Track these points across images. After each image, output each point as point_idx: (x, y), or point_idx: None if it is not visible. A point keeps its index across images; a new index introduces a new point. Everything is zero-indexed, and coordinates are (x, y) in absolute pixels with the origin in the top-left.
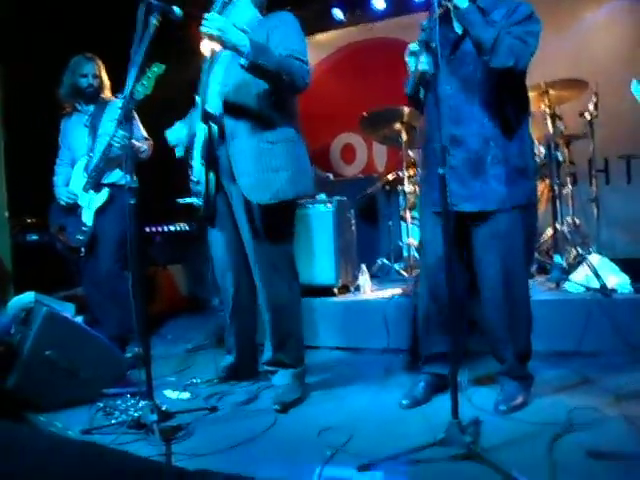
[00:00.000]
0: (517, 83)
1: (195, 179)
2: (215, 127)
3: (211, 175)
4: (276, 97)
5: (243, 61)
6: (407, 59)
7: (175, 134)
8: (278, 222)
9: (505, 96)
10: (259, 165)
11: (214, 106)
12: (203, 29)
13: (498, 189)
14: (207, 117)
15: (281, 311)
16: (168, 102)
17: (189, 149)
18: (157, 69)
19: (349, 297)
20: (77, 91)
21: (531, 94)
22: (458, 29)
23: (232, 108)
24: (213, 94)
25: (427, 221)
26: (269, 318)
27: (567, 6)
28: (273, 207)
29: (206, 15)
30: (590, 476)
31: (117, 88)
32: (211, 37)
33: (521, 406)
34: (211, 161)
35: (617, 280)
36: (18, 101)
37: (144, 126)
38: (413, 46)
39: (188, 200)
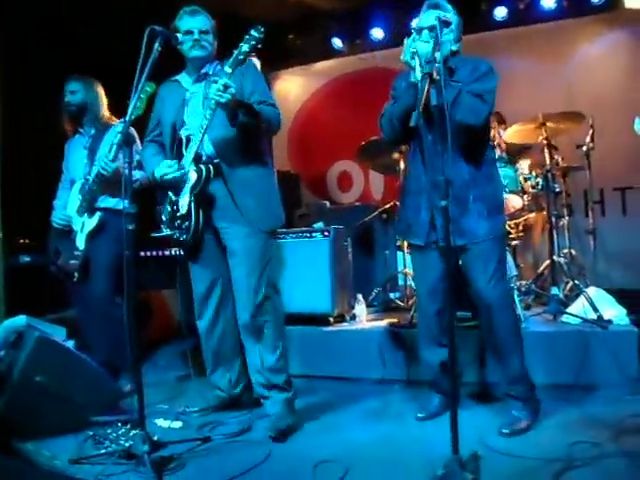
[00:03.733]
0: (484, 131)
1: (181, 213)
2: (210, 167)
3: (201, 211)
4: (256, 138)
5: (232, 123)
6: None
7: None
8: (269, 248)
9: (475, 142)
10: (259, 198)
11: (205, 146)
12: (223, 99)
13: (481, 223)
14: (200, 159)
15: (270, 333)
16: None
17: (172, 185)
18: (149, 88)
19: (345, 326)
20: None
21: (529, 126)
22: None
23: (225, 151)
24: (196, 129)
25: (414, 254)
26: (257, 343)
27: (564, 38)
28: (269, 233)
29: (224, 81)
30: None
31: (122, 113)
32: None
33: (524, 430)
34: (202, 199)
35: (614, 312)
36: (17, 122)
37: None
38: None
39: (164, 233)
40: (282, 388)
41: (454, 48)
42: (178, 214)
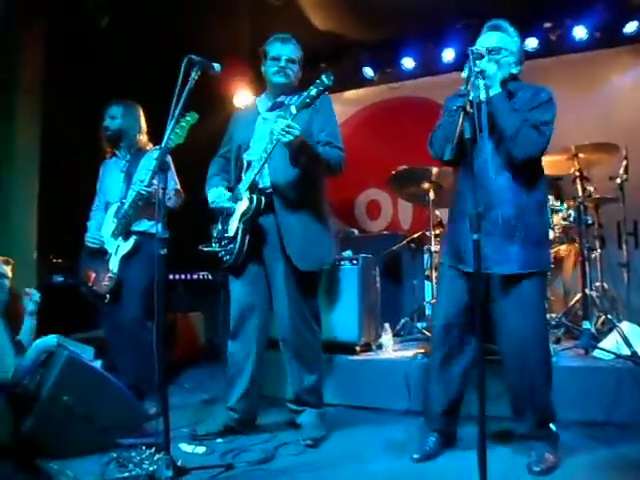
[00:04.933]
0: (539, 160)
1: (228, 235)
2: (262, 198)
3: (247, 238)
4: (314, 178)
5: (294, 163)
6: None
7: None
8: (313, 283)
9: (529, 169)
10: (305, 237)
11: (263, 176)
12: (286, 139)
13: (530, 254)
14: (256, 188)
15: (309, 358)
16: (198, 151)
17: (220, 211)
18: (191, 118)
19: (371, 355)
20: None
21: (561, 157)
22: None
23: (281, 186)
24: (257, 157)
25: (445, 274)
26: (297, 365)
27: (596, 69)
28: (313, 272)
29: (287, 122)
30: None
31: (158, 138)
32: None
33: (553, 467)
34: (252, 227)
35: None
36: (54, 143)
37: (179, 175)
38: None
39: (212, 249)
40: (315, 405)
41: (514, 71)
42: (226, 235)
